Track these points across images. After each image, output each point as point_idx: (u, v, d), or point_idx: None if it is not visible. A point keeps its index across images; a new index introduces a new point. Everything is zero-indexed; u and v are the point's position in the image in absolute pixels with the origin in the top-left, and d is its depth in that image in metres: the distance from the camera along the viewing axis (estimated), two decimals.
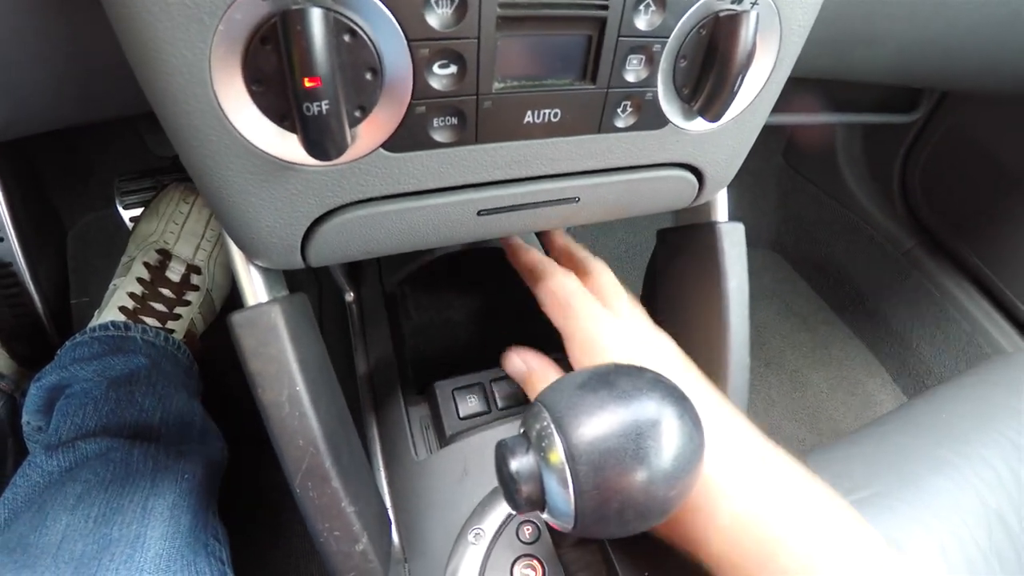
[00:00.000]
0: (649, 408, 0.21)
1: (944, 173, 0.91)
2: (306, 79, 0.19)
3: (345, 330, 0.63)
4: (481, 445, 0.38)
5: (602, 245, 1.05)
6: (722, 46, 0.26)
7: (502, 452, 0.22)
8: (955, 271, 0.92)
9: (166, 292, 0.68)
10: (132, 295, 0.66)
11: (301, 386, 0.28)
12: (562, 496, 0.21)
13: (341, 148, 0.22)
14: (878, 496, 0.44)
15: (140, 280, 0.67)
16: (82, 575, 0.41)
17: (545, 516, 0.22)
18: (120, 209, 0.80)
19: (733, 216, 0.41)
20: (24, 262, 0.75)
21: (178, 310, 0.69)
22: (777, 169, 1.11)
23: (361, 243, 0.28)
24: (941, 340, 0.91)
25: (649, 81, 0.26)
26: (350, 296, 0.63)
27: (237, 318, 0.29)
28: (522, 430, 0.23)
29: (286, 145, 0.23)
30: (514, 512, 0.24)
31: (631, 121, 0.27)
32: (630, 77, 0.25)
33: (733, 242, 0.39)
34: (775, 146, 1.09)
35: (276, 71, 0.21)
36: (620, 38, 0.24)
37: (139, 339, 0.64)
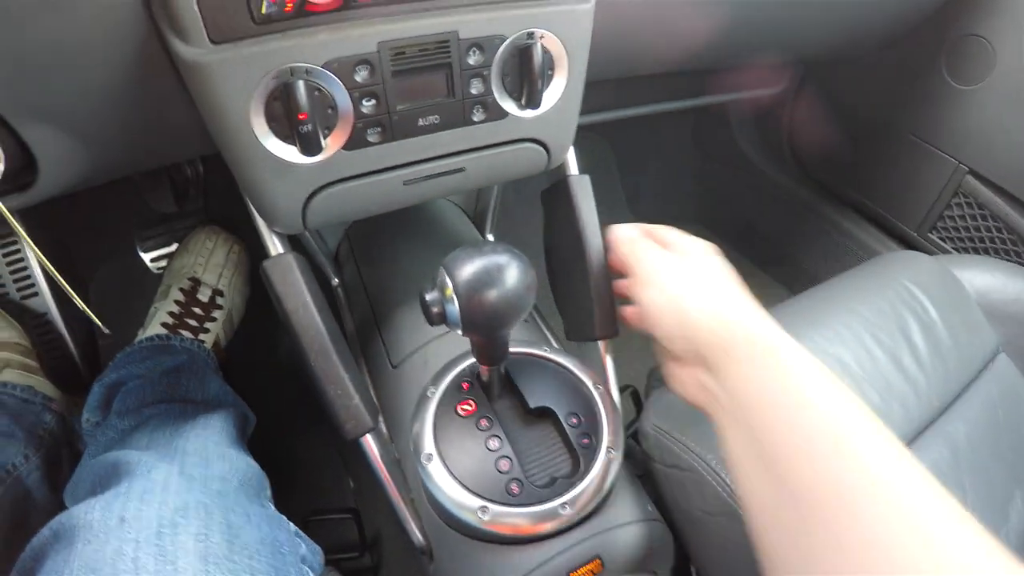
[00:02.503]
0: (500, 259, 0.41)
1: (819, 130, 1.14)
2: (299, 115, 0.41)
3: (333, 305, 0.83)
4: (436, 349, 0.59)
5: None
6: (525, 65, 0.47)
7: (422, 293, 0.42)
8: (843, 208, 1.14)
9: (197, 311, 0.88)
10: (171, 313, 0.87)
11: (308, 298, 0.49)
12: (453, 311, 0.41)
13: (319, 150, 0.43)
14: None
15: (177, 302, 0.88)
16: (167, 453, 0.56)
17: (447, 326, 0.42)
18: (140, 252, 1.00)
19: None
20: (57, 312, 0.95)
21: (207, 325, 0.89)
22: (688, 154, 1.33)
23: (337, 210, 0.49)
24: (841, 268, 1.12)
25: (487, 91, 0.47)
26: (335, 281, 0.83)
27: (267, 262, 0.50)
28: (434, 280, 0.43)
29: (289, 153, 0.44)
30: (431, 324, 0.43)
31: (483, 116, 0.48)
32: (474, 91, 0.47)
33: (582, 185, 0.60)
34: (685, 135, 1.31)
35: (282, 114, 0.42)
36: (462, 71, 0.45)
37: (179, 345, 0.84)
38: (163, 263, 0.93)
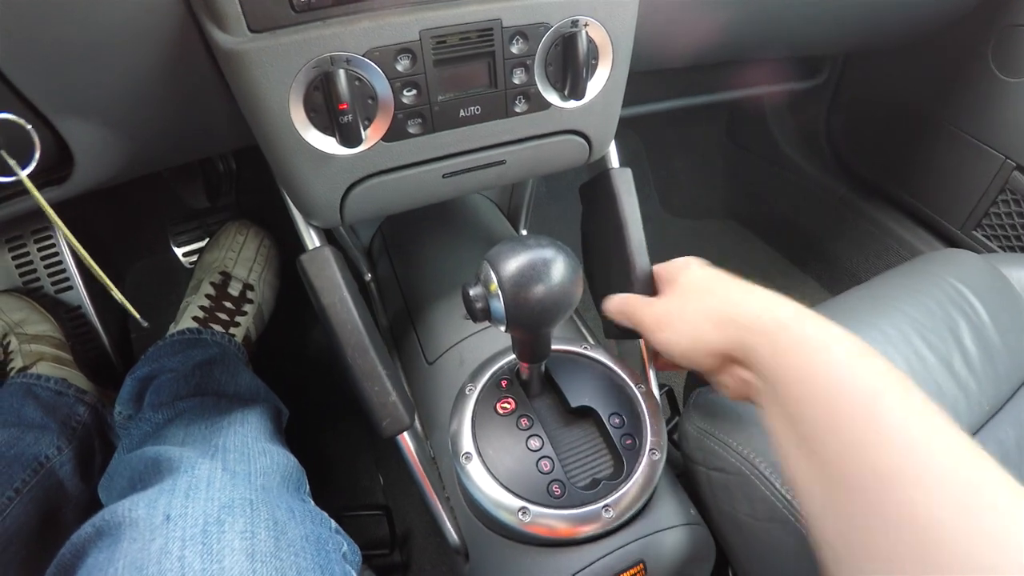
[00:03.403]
0: (546, 253, 0.40)
1: (859, 123, 1.11)
2: (340, 104, 0.39)
3: (366, 300, 0.82)
4: (472, 346, 0.58)
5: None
6: (569, 54, 0.45)
7: (465, 288, 0.41)
8: (883, 204, 1.11)
9: (228, 305, 0.89)
10: (202, 307, 0.87)
11: (345, 293, 0.48)
12: (498, 307, 0.39)
13: (359, 141, 0.42)
14: None
15: (208, 296, 0.88)
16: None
17: (491, 322, 0.41)
18: (173, 248, 1.01)
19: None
20: (91, 305, 0.96)
21: (237, 319, 0.89)
22: (722, 147, 1.31)
23: (375, 203, 0.48)
24: (882, 267, 1.08)
25: (530, 81, 0.46)
26: (368, 276, 0.83)
27: (303, 256, 0.49)
28: (477, 275, 0.41)
29: (328, 144, 0.43)
30: (474, 320, 0.42)
31: (525, 108, 0.47)
32: (516, 81, 0.45)
33: (623, 180, 0.58)
34: (717, 127, 1.29)
35: (322, 104, 0.41)
36: (504, 60, 0.44)
37: (209, 339, 0.84)
38: (195, 257, 0.93)
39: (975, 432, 0.61)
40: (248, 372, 0.80)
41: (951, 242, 1.06)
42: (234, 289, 0.89)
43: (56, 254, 0.94)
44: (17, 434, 0.76)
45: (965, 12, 0.91)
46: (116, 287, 0.42)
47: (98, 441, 0.87)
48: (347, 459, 0.90)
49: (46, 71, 0.39)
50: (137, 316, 0.44)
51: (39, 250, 0.95)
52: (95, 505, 0.78)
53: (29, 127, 0.39)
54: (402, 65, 0.42)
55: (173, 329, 0.87)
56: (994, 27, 0.91)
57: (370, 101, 0.42)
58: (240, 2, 0.37)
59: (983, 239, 1.01)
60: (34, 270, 0.95)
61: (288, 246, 0.98)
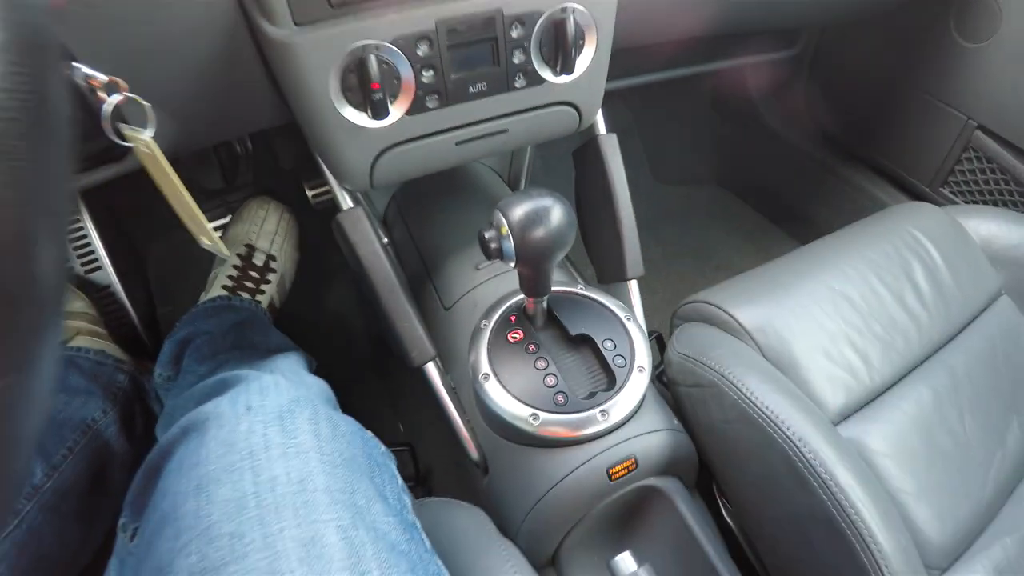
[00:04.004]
0: (546, 201, 0.49)
1: (834, 90, 1.20)
2: (372, 84, 0.49)
3: None
4: (484, 291, 0.68)
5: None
6: (560, 36, 0.55)
7: (480, 232, 0.51)
8: (859, 165, 1.21)
9: (253, 274, 0.98)
10: (230, 277, 0.97)
11: (378, 246, 0.58)
12: (508, 246, 0.49)
13: (386, 115, 0.52)
14: (759, 289, 0.70)
15: (235, 267, 0.98)
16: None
17: (502, 260, 0.51)
18: None
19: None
20: (119, 284, 1.05)
21: (262, 287, 0.99)
22: (707, 116, 1.40)
23: (399, 168, 0.58)
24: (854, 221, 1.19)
25: (527, 60, 0.56)
26: (385, 240, 0.92)
27: (340, 215, 0.59)
28: (490, 221, 0.51)
29: (361, 118, 0.53)
30: (488, 258, 0.51)
31: (524, 83, 0.57)
32: (516, 60, 0.55)
33: (610, 143, 0.68)
34: (703, 98, 1.38)
35: (356, 84, 0.51)
36: (506, 43, 0.54)
37: (239, 304, 0.94)
38: (218, 234, 1.02)
39: (927, 357, 0.71)
40: (277, 331, 0.90)
41: (921, 199, 1.15)
42: (258, 259, 0.99)
43: (85, 236, 1.03)
44: (65, 399, 0.84)
45: None
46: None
47: (138, 406, 0.96)
48: (367, 412, 1.00)
49: (122, 66, 0.48)
50: (224, 250, 0.53)
51: (69, 233, 1.04)
52: (139, 462, 0.88)
53: (148, 105, 0.47)
54: (421, 50, 0.51)
55: (204, 297, 0.97)
56: None
57: (395, 81, 0.52)
58: (287, 0, 0.47)
59: (950, 195, 1.11)
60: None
61: (304, 220, 1.07)
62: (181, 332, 0.88)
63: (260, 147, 1.10)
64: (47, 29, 0.17)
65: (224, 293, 0.95)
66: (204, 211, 1.06)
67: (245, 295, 0.97)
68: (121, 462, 0.87)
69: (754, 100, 1.31)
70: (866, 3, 1.04)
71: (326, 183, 0.69)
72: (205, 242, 0.53)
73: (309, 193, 1.00)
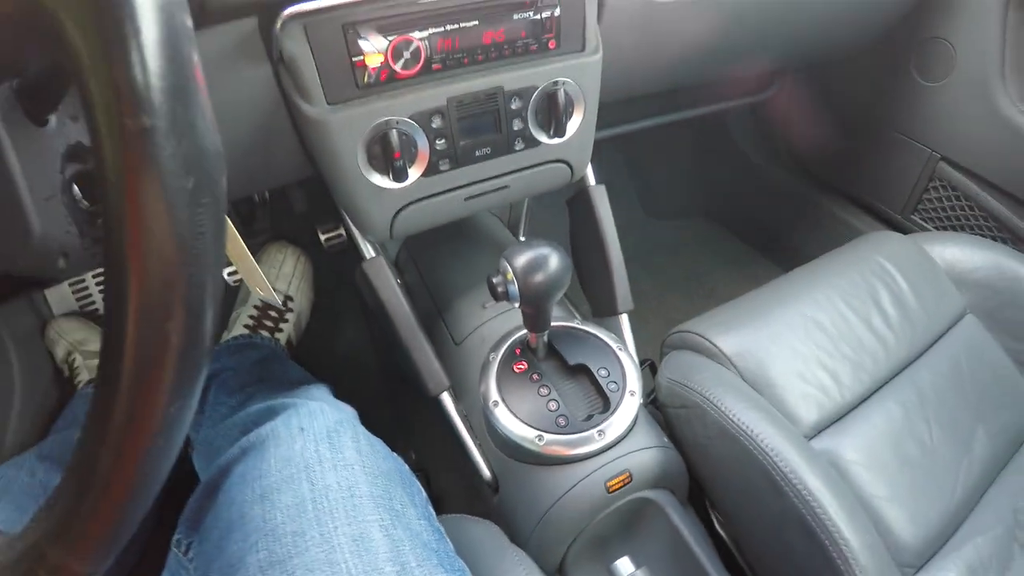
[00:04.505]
0: (545, 250, 0.58)
1: (811, 129, 1.31)
2: (395, 154, 0.58)
3: None
4: (491, 328, 0.76)
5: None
6: (552, 105, 0.65)
7: (489, 278, 0.59)
8: (835, 196, 1.31)
9: (272, 314, 1.07)
10: (251, 316, 1.05)
11: (397, 289, 0.67)
12: (513, 290, 0.57)
13: (406, 178, 0.61)
14: (737, 318, 0.79)
15: (255, 307, 1.06)
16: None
17: (508, 301, 0.59)
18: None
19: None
20: None
21: (281, 326, 1.08)
22: (693, 155, 1.51)
23: (416, 221, 0.67)
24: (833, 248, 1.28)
25: (525, 127, 0.65)
26: (398, 282, 1.01)
27: (364, 264, 0.68)
28: (497, 269, 0.59)
29: (384, 181, 0.62)
30: (496, 300, 0.60)
31: (522, 146, 0.66)
32: (515, 127, 0.65)
33: (599, 193, 0.78)
34: (688, 139, 1.49)
35: (379, 153, 0.60)
36: (506, 113, 0.63)
37: (260, 342, 1.02)
38: (237, 276, 1.11)
39: (894, 375, 0.79)
40: (296, 365, 0.98)
41: (893, 226, 1.25)
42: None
43: None
44: None
45: (889, 27, 1.10)
46: None
47: None
48: None
49: None
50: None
51: (92, 276, 1.12)
52: (168, 490, 0.95)
53: None
54: (435, 123, 0.61)
55: (226, 336, 1.05)
56: (915, 40, 1.11)
57: (413, 149, 0.61)
58: (322, 83, 0.56)
59: (919, 221, 1.21)
60: (89, 294, 1.12)
61: (320, 265, 1.16)
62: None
63: (275, 195, 1.19)
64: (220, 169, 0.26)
65: (245, 332, 1.04)
66: None
67: (265, 333, 1.05)
68: None
69: (736, 139, 1.42)
70: (832, 48, 1.14)
71: (338, 227, 0.78)
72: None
73: (322, 237, 1.09)
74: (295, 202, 1.19)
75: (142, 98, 0.21)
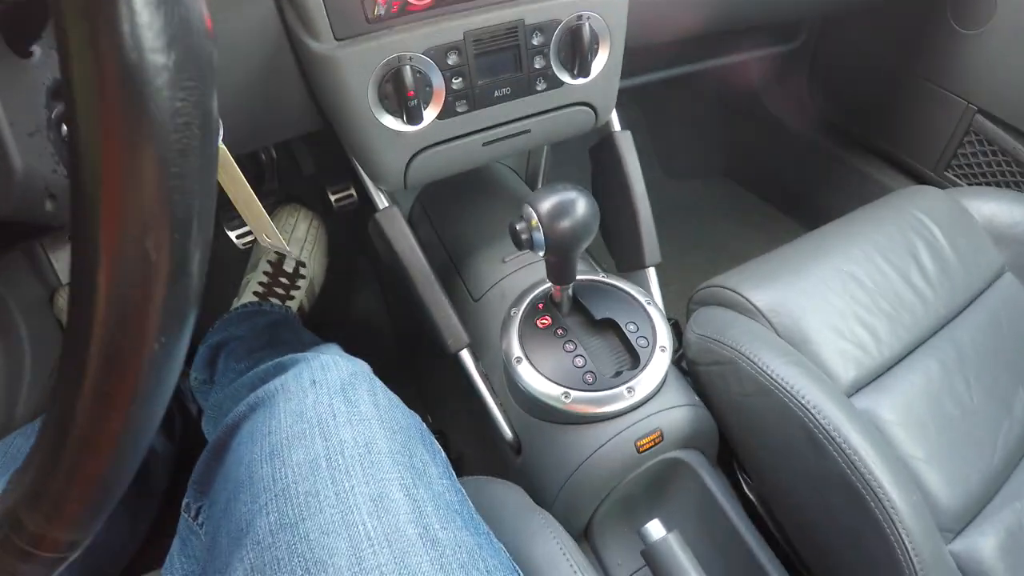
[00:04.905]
0: (571, 194, 0.54)
1: (836, 80, 1.25)
2: (408, 92, 0.54)
3: None
4: (511, 282, 0.73)
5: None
6: (576, 42, 0.60)
7: (512, 225, 0.55)
8: (864, 153, 1.25)
9: (284, 280, 1.04)
10: (261, 283, 1.02)
11: (413, 241, 0.63)
12: (538, 237, 0.54)
13: (420, 120, 0.57)
14: (770, 272, 0.75)
15: (266, 273, 1.03)
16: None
17: (532, 249, 0.55)
18: (227, 231, 1.16)
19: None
20: None
21: (292, 293, 1.04)
22: (714, 111, 1.45)
23: (431, 169, 0.63)
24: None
25: (547, 65, 0.61)
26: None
27: (377, 214, 0.64)
28: (520, 215, 0.56)
29: (397, 124, 0.58)
30: (519, 248, 0.56)
31: (544, 86, 0.62)
32: (536, 66, 0.60)
33: (625, 139, 0.73)
34: (710, 94, 1.43)
35: (392, 92, 0.56)
36: (527, 50, 0.59)
37: (270, 309, 0.99)
38: (247, 239, 1.07)
39: (934, 333, 0.76)
40: (308, 332, 0.96)
41: (926, 183, 1.19)
42: (288, 266, 1.05)
43: None
44: None
45: None
46: None
47: (175, 404, 1.02)
48: None
49: None
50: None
51: None
52: (179, 458, 0.93)
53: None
54: (451, 60, 0.56)
55: (236, 303, 1.02)
56: None
57: (428, 88, 0.57)
58: (328, 17, 0.52)
59: (953, 178, 1.15)
60: None
61: (332, 228, 1.13)
62: (215, 337, 0.93)
63: (283, 155, 1.15)
64: (211, 51, 0.21)
65: (255, 299, 1.01)
66: (232, 219, 1.12)
67: (275, 301, 1.02)
68: (163, 459, 0.92)
69: (758, 93, 1.36)
70: None
71: (348, 187, 0.74)
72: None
73: (332, 197, 1.05)
74: (303, 163, 1.15)
75: None
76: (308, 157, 1.16)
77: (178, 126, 0.19)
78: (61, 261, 1.07)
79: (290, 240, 1.06)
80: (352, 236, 1.18)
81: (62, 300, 1.03)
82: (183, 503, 0.55)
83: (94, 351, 0.21)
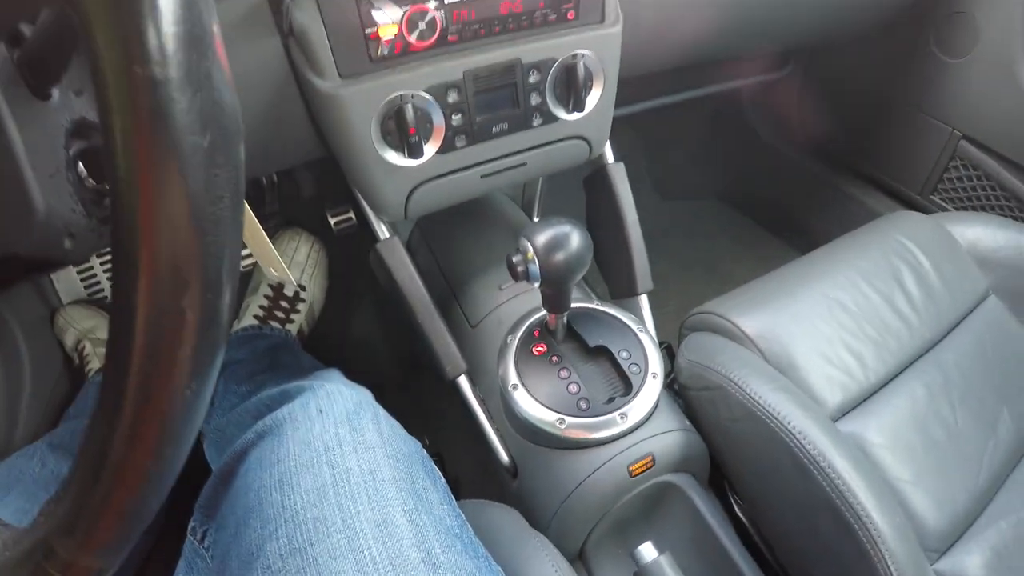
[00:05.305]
0: (565, 228, 0.56)
1: (825, 106, 1.28)
2: (410, 129, 0.57)
3: None
4: (507, 309, 0.75)
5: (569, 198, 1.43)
6: (571, 78, 0.63)
7: (508, 257, 0.57)
8: (852, 177, 1.28)
9: (284, 304, 1.05)
10: (261, 307, 1.04)
11: (413, 271, 0.65)
12: (534, 269, 0.56)
13: (421, 155, 0.59)
14: (759, 299, 0.77)
15: (266, 296, 1.05)
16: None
17: (528, 281, 0.57)
18: None
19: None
20: None
21: (292, 316, 1.06)
22: (708, 136, 1.49)
23: (431, 200, 0.65)
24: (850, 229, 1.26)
25: (543, 101, 0.63)
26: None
27: (378, 245, 0.66)
28: (517, 248, 0.58)
29: (399, 158, 0.60)
30: (515, 280, 0.58)
31: (540, 121, 0.64)
32: (533, 102, 0.62)
33: (618, 171, 0.76)
34: (703, 119, 1.47)
35: (394, 129, 0.58)
36: (524, 87, 0.61)
37: (270, 333, 1.01)
38: (249, 261, 1.09)
39: (919, 356, 0.78)
40: (308, 355, 0.97)
41: (912, 207, 1.23)
42: (288, 290, 1.06)
43: None
44: None
45: (909, 3, 1.07)
46: None
47: None
48: None
49: None
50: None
51: (100, 264, 1.11)
52: (179, 479, 0.93)
53: None
54: (451, 97, 0.59)
55: (236, 326, 1.03)
56: (935, 14, 1.08)
57: (428, 125, 0.59)
58: (334, 56, 0.54)
59: (939, 202, 1.18)
60: (97, 281, 1.11)
61: (331, 249, 1.15)
62: None
63: (283, 179, 1.18)
64: (240, 129, 0.24)
65: (255, 322, 1.02)
66: None
67: (275, 324, 1.03)
68: None
69: (750, 119, 1.39)
70: (848, 26, 1.12)
71: (348, 211, 0.76)
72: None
73: (332, 220, 1.07)
74: (304, 186, 1.17)
75: (154, 45, 0.20)
76: (309, 180, 1.18)
77: (212, 199, 0.21)
78: (62, 282, 1.09)
79: (291, 264, 1.08)
80: (351, 259, 1.20)
81: (62, 320, 1.04)
82: (189, 526, 0.57)
83: (130, 397, 0.23)
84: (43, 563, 0.27)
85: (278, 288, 1.06)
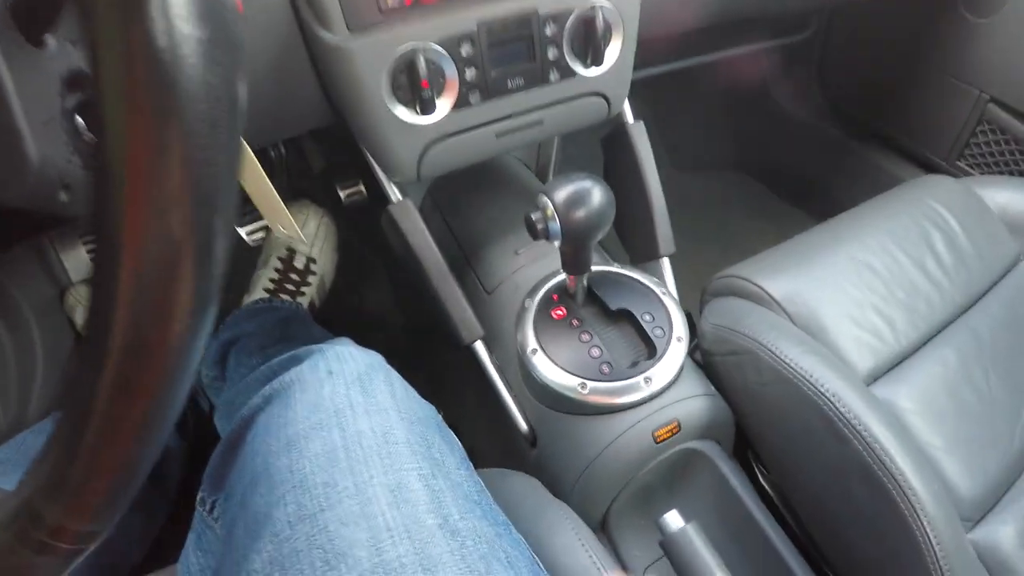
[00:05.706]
0: (587, 183, 0.53)
1: (846, 71, 1.24)
2: (422, 83, 0.54)
3: None
4: (524, 274, 0.72)
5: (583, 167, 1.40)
6: (589, 31, 0.60)
7: (527, 215, 0.55)
8: (875, 143, 1.24)
9: (294, 276, 1.04)
10: (272, 279, 1.02)
11: (426, 233, 0.63)
12: (555, 227, 0.54)
13: (433, 110, 0.57)
14: (785, 263, 0.74)
15: (276, 269, 1.03)
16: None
17: (547, 239, 0.55)
18: (237, 228, 1.16)
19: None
20: None
21: (303, 289, 1.04)
22: (723, 104, 1.45)
23: (444, 160, 0.62)
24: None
25: (560, 55, 0.60)
26: None
27: (391, 207, 0.64)
28: (536, 204, 0.55)
29: (410, 115, 0.58)
30: (534, 239, 0.55)
31: (557, 76, 0.61)
32: (550, 56, 0.60)
33: (639, 131, 0.73)
34: (719, 86, 1.43)
35: (405, 83, 0.55)
36: (540, 40, 0.58)
37: (280, 305, 0.99)
38: (258, 235, 1.07)
39: (950, 321, 0.75)
40: (319, 328, 0.95)
41: (938, 172, 1.19)
42: (299, 263, 1.04)
43: None
44: None
45: None
46: None
47: (188, 403, 1.02)
48: None
49: None
50: (300, 234, 0.59)
51: None
52: (191, 455, 0.92)
53: None
54: (464, 50, 0.56)
55: (247, 300, 1.02)
56: None
57: (441, 79, 0.57)
58: (342, 7, 0.52)
59: (966, 167, 1.14)
60: None
61: (341, 224, 1.13)
62: (226, 333, 0.93)
63: (292, 151, 1.15)
64: (241, 30, 0.21)
65: (265, 295, 1.01)
66: (243, 215, 1.12)
67: (286, 297, 1.02)
68: (175, 455, 0.92)
69: (768, 84, 1.35)
70: None
71: (357, 183, 0.73)
72: (281, 229, 0.58)
73: (341, 193, 1.05)
74: (312, 159, 1.15)
75: None
76: (317, 153, 1.16)
77: (208, 99, 0.19)
78: (71, 260, 1.08)
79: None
80: (361, 231, 1.18)
81: (72, 299, 1.03)
82: (198, 497, 0.55)
83: (117, 333, 0.21)
84: (28, 527, 0.24)
85: (288, 261, 1.04)
